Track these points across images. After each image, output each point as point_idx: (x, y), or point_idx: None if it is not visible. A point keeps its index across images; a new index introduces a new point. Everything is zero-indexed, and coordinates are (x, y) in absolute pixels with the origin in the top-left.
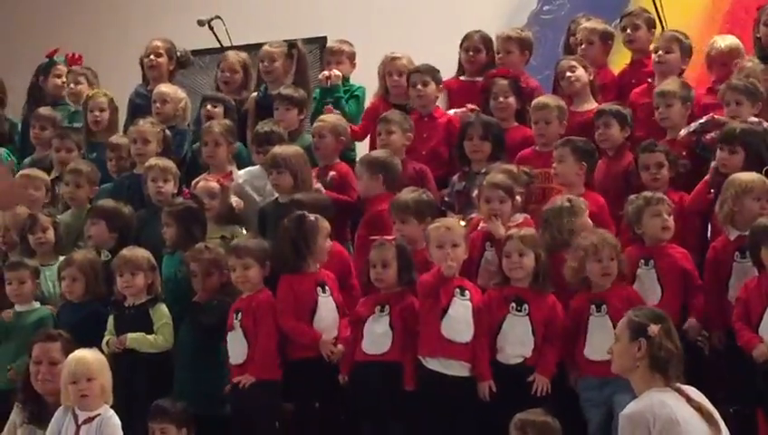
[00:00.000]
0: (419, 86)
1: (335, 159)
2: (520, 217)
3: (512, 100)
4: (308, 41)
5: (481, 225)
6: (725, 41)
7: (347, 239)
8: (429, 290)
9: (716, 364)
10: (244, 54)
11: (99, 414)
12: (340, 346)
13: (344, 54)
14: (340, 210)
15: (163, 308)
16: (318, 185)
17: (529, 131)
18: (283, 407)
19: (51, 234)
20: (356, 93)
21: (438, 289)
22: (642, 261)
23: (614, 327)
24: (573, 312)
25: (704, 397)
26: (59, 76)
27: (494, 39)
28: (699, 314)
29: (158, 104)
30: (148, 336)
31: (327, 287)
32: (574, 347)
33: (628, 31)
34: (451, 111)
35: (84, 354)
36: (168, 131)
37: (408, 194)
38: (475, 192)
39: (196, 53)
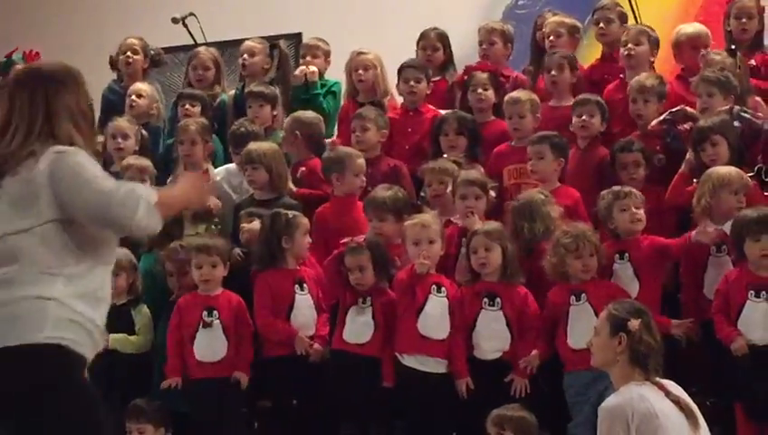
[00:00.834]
0: (412, 82)
1: (307, 154)
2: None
3: (490, 93)
4: (283, 37)
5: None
6: (692, 27)
7: None
8: (405, 287)
9: (692, 357)
10: (214, 50)
11: None
12: (316, 345)
13: (319, 50)
14: (313, 205)
15: (145, 309)
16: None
17: (506, 125)
18: (259, 405)
19: None
20: (333, 89)
21: (414, 286)
22: (617, 255)
23: (596, 316)
24: (552, 305)
25: (682, 391)
26: None
27: (477, 31)
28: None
29: (133, 97)
30: (130, 337)
31: (305, 285)
32: (557, 340)
33: (601, 25)
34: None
35: None
36: (144, 131)
37: (383, 192)
38: (450, 188)
39: (170, 50)
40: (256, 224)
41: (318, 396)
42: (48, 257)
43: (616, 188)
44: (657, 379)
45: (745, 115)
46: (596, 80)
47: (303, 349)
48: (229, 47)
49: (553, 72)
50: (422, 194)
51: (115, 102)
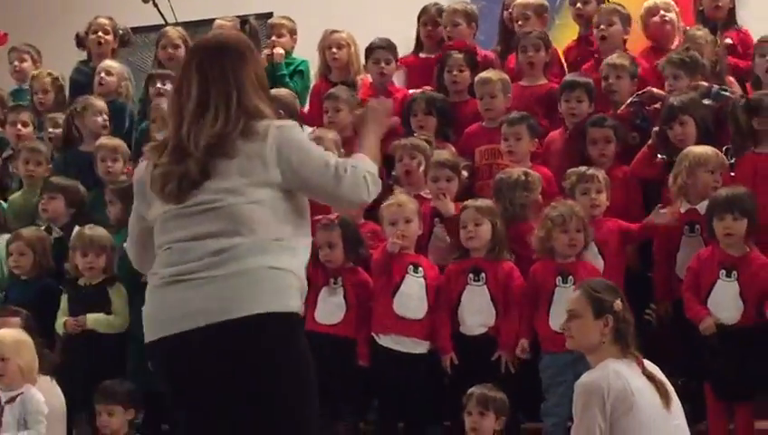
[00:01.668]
0: (383, 63)
1: None
2: None
3: (466, 73)
4: (253, 17)
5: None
6: None
7: None
8: (382, 267)
9: (663, 336)
10: (182, 30)
11: (21, 393)
12: None
13: (285, 28)
14: None
15: (122, 288)
16: None
17: None
18: None
19: None
20: (300, 68)
21: (391, 266)
22: None
23: None
24: (534, 278)
25: (658, 369)
26: None
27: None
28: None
29: (102, 75)
30: (108, 317)
31: None
32: (537, 320)
33: (578, 5)
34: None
35: (1, 334)
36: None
37: None
38: (423, 167)
39: (140, 29)
40: None
41: None
42: (277, 228)
43: (581, 169)
44: (636, 353)
45: (725, 93)
46: (572, 60)
47: None
48: (199, 27)
49: (530, 53)
50: (393, 173)
51: (84, 83)
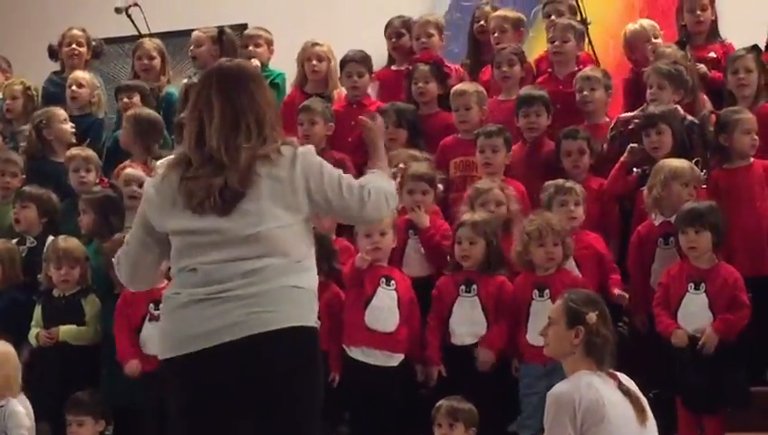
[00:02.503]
0: (355, 77)
1: None
2: None
3: (432, 85)
4: (228, 27)
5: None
6: (638, 23)
7: None
8: (354, 280)
9: (636, 348)
10: (158, 41)
11: (2, 405)
12: None
13: (261, 39)
14: None
15: (96, 300)
16: None
17: (452, 118)
18: None
19: None
20: (276, 81)
21: (363, 278)
22: None
23: None
24: (515, 293)
25: (633, 383)
26: None
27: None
28: (620, 284)
29: (73, 87)
30: (81, 328)
31: None
32: (517, 332)
33: (553, 17)
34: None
35: None
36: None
37: None
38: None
39: (114, 40)
40: None
41: None
42: (299, 250)
43: (559, 181)
44: (611, 370)
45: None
46: (544, 70)
47: None
48: (173, 38)
49: (504, 68)
50: None
51: (56, 94)
